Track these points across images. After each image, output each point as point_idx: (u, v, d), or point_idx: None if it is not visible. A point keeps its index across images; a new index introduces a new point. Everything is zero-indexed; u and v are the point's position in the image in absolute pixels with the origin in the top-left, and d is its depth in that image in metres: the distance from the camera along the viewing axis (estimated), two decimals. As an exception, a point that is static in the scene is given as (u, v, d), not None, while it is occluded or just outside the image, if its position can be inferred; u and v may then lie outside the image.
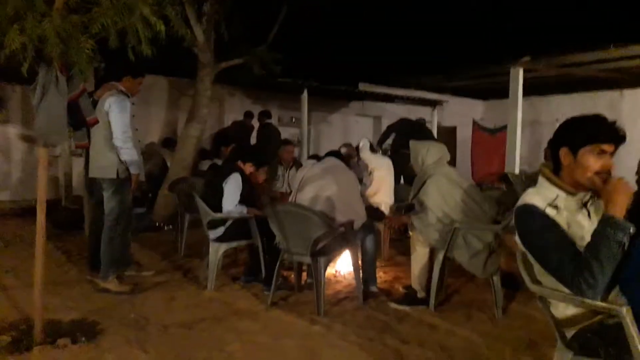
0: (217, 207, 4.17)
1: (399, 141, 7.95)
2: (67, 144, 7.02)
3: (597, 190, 1.88)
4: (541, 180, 2.00)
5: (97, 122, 3.78)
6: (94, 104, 4.11)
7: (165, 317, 3.51)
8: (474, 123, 11.96)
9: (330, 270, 4.71)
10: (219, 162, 6.05)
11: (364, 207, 4.23)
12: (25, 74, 2.81)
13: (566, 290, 1.79)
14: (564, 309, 1.92)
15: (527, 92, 9.12)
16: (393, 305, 3.84)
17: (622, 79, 9.84)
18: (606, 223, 1.73)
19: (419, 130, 8.48)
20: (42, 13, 2.74)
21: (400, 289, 4.23)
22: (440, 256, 3.70)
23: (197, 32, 6.77)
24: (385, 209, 5.28)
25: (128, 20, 2.85)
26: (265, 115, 9.26)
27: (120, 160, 4.03)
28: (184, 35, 6.46)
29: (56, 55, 2.77)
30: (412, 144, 4.01)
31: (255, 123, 9.49)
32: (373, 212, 5.02)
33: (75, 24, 2.80)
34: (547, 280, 1.92)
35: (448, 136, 12.35)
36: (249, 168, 4.38)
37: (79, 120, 3.38)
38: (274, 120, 9.82)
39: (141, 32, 2.86)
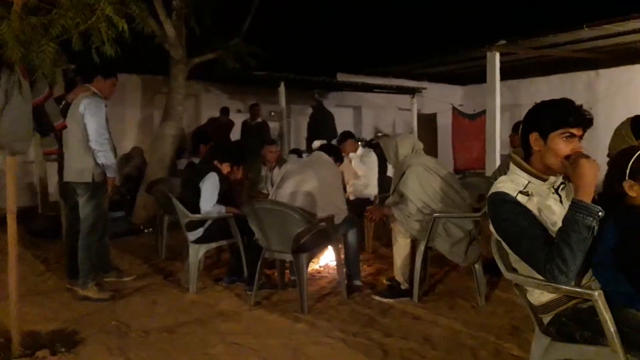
0: (195, 208, 4.14)
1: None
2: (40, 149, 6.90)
3: (567, 174, 1.90)
4: (512, 167, 2.03)
5: (65, 127, 3.72)
6: (67, 107, 4.04)
7: (147, 323, 3.49)
8: (453, 109, 12.04)
9: (314, 266, 4.73)
10: (197, 160, 5.99)
11: (345, 201, 4.24)
12: (-15, 80, 2.75)
13: (540, 277, 1.82)
14: (539, 296, 1.95)
15: (504, 76, 9.20)
16: (377, 298, 3.86)
17: (598, 58, 9.98)
18: (575, 208, 1.75)
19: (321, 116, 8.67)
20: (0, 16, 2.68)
21: (384, 281, 4.25)
22: (421, 246, 3.73)
23: (167, 28, 6.67)
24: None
25: (90, 21, 2.80)
26: (258, 110, 9.12)
27: (96, 163, 3.98)
28: (154, 31, 6.38)
29: (17, 59, 2.71)
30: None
31: (237, 118, 9.42)
32: (365, 204, 5.06)
33: (35, 27, 2.73)
34: (522, 267, 1.95)
35: (428, 124, 12.42)
36: (225, 168, 4.36)
37: (46, 125, 3.31)
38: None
39: (104, 33, 2.81)
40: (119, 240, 5.89)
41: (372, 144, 7.21)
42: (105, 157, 3.99)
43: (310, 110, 9.76)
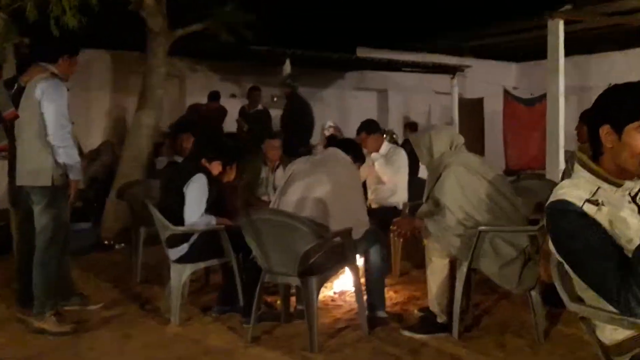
0: (179, 218, 4.19)
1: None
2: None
3: (649, 178, 1.89)
4: (577, 168, 2.02)
5: (16, 117, 3.78)
6: (20, 92, 4.10)
7: (117, 363, 3.55)
8: (506, 93, 12.02)
9: (327, 293, 4.75)
10: (179, 159, 6.05)
11: (366, 211, 4.25)
12: None
13: (612, 308, 1.81)
14: (612, 333, 1.94)
15: (570, 51, 9.14)
16: (407, 333, 3.87)
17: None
18: (661, 222, 1.75)
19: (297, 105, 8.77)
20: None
21: (416, 312, 4.27)
22: (463, 268, 3.73)
23: (144, -9, 6.75)
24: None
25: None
26: (258, 95, 9.19)
27: (56, 163, 4.03)
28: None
29: (-42, 34, 2.78)
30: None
31: (230, 105, 9.49)
32: (391, 214, 5.06)
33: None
34: (590, 296, 1.94)
35: (473, 111, 12.40)
36: (216, 167, 4.39)
37: (-7, 115, 3.38)
38: (246, 101, 9.80)
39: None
40: (84, 258, 5.97)
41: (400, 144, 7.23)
42: (67, 155, 4.04)
43: (322, 95, 9.81)
